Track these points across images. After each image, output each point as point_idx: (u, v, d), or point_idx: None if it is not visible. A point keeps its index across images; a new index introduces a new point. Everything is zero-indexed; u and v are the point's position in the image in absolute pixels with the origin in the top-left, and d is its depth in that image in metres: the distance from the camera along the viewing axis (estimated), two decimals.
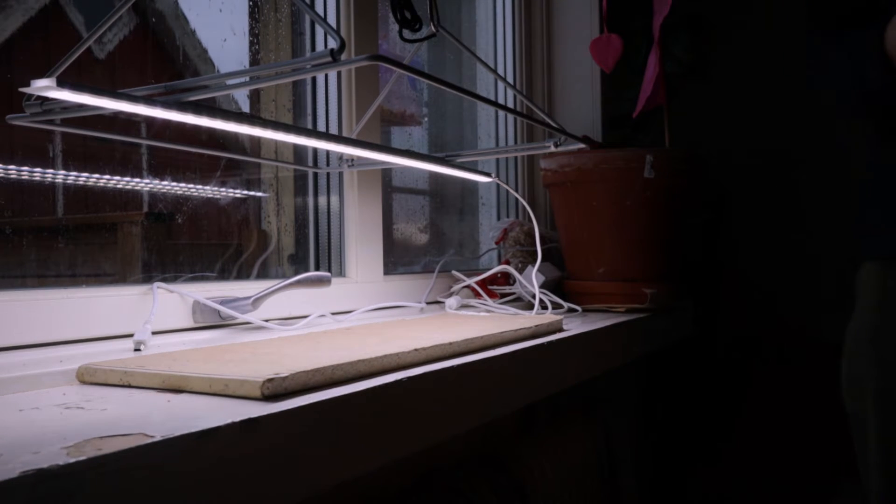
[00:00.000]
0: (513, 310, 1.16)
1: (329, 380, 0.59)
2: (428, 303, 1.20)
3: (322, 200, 1.18)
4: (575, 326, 1.05)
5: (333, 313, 1.02)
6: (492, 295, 1.26)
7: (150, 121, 0.96)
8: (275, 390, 0.53)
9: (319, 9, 1.16)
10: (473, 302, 1.23)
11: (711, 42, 1.95)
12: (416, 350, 0.70)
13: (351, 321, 1.01)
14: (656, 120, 1.50)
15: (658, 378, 1.91)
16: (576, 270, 1.38)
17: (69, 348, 0.71)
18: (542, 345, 0.88)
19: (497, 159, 1.68)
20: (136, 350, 0.72)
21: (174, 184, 1.00)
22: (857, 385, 1.00)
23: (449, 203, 1.63)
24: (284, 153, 1.17)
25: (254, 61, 1.13)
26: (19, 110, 0.64)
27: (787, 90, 1.96)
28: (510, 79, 1.73)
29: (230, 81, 0.69)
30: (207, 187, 1.05)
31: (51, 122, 0.71)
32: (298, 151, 1.18)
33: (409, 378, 0.63)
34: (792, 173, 1.99)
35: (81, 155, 0.89)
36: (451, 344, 0.75)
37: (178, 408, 0.50)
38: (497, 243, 1.46)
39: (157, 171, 0.98)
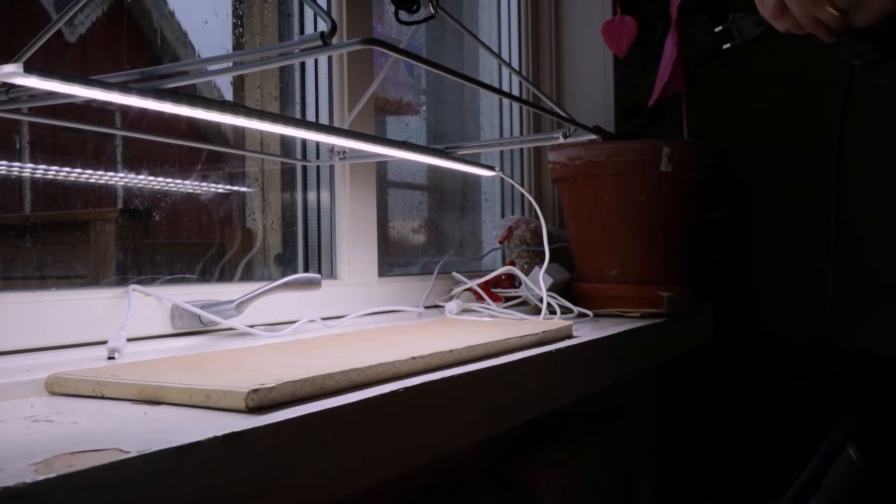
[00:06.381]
0: (518, 314, 1.16)
1: (319, 390, 0.59)
2: (426, 307, 1.20)
3: (311, 196, 1.18)
4: (585, 333, 1.05)
5: (324, 318, 1.02)
6: (495, 298, 1.26)
7: (126, 110, 0.96)
8: (260, 402, 0.53)
9: None
10: (475, 306, 1.23)
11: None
12: (413, 358, 0.70)
13: (343, 327, 1.01)
14: (674, 109, 1.50)
15: (675, 388, 1.91)
16: (586, 272, 1.38)
17: (37, 356, 0.70)
18: (550, 352, 0.88)
19: (501, 151, 1.68)
20: (110, 358, 0.72)
21: (151, 178, 1.00)
22: None
23: (449, 199, 1.63)
24: (271, 145, 1.17)
25: (237, 45, 1.13)
26: None
27: (816, 77, 1.96)
28: (515, 64, 1.72)
29: (212, 67, 0.69)
30: (187, 182, 1.05)
31: (17, 110, 0.70)
32: (286, 143, 1.17)
33: (407, 388, 0.63)
34: (819, 167, 1.99)
35: (51, 147, 0.89)
36: (451, 351, 0.75)
37: (155, 421, 0.50)
38: (501, 243, 1.46)
39: (133, 165, 0.98)
